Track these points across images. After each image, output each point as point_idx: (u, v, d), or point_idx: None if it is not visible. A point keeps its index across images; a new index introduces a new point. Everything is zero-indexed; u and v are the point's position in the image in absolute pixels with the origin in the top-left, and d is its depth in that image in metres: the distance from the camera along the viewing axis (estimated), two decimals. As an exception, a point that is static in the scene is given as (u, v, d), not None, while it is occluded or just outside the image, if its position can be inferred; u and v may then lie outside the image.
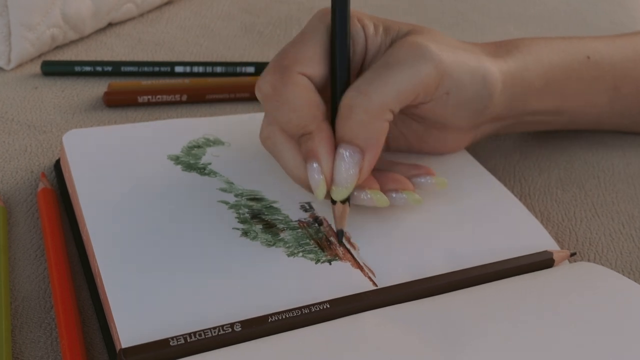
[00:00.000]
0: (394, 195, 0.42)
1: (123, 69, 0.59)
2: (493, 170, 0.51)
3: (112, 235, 0.40)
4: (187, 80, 0.58)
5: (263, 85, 0.41)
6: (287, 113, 0.40)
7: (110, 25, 0.67)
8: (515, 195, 0.47)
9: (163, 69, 0.60)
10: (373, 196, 0.41)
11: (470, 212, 0.45)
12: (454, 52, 0.43)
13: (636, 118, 0.54)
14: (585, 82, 0.50)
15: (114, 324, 0.35)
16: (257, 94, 0.41)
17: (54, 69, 0.59)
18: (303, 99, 0.40)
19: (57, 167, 0.48)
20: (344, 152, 0.40)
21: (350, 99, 0.40)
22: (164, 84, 0.57)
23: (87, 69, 0.59)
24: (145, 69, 0.60)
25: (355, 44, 0.43)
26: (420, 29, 0.44)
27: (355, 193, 0.41)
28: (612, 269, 0.44)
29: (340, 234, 0.41)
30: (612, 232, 0.47)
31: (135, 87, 0.57)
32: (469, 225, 0.44)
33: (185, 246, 0.40)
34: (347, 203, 0.41)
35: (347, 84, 0.41)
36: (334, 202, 0.41)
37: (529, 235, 0.43)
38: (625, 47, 0.52)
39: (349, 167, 0.40)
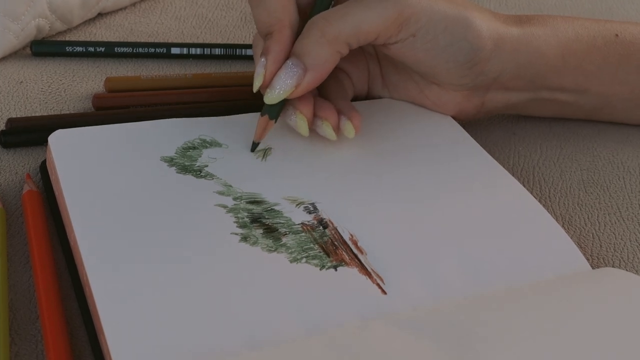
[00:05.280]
0: (318, 122, 0.48)
1: (117, 49, 0.62)
2: (511, 171, 0.51)
3: (102, 242, 0.40)
4: (188, 75, 0.58)
5: None
6: (260, 11, 0.47)
7: (100, 15, 0.67)
8: (535, 197, 0.47)
9: (159, 50, 0.62)
10: (298, 120, 0.47)
11: (487, 216, 0.45)
12: (432, 0, 0.48)
13: None
14: (612, 60, 0.52)
15: (104, 335, 0.36)
16: None
17: (44, 49, 0.61)
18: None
19: (43, 168, 0.48)
20: (289, 63, 0.46)
21: (312, 21, 0.47)
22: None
23: (79, 49, 0.61)
24: (140, 50, 0.62)
25: None
26: None
27: (287, 109, 0.47)
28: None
29: (254, 146, 0.47)
30: (637, 237, 0.47)
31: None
32: (484, 229, 0.44)
33: (180, 253, 0.40)
34: (273, 120, 0.47)
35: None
36: (262, 114, 0.47)
37: (548, 240, 0.44)
38: None
39: (287, 77, 0.45)
